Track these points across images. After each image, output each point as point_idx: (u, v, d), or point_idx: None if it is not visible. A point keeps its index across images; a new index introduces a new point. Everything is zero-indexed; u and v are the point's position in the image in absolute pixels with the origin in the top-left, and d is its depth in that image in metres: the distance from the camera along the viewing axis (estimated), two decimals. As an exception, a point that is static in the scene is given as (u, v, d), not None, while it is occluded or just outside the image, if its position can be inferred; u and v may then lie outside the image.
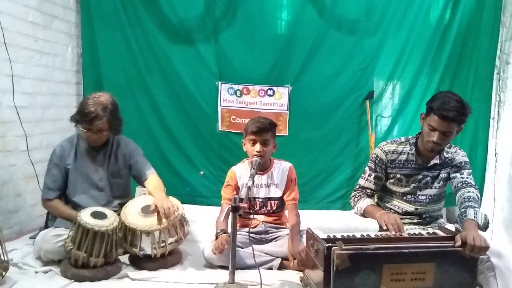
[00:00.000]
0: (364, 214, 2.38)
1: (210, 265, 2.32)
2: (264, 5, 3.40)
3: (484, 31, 3.22)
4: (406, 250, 1.75)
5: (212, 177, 3.55)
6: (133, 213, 2.32)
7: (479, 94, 3.29)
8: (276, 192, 2.48)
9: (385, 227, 2.10)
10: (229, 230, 2.05)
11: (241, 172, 2.50)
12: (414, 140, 2.34)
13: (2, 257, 2.03)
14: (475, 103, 3.25)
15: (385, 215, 2.18)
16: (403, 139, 2.39)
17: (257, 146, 2.34)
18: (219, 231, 2.28)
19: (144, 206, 2.36)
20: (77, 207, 2.41)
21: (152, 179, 2.52)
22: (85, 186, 2.49)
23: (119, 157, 2.58)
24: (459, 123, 2.15)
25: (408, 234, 2.06)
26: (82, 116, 2.35)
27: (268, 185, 2.48)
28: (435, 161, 2.30)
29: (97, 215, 2.22)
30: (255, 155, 2.34)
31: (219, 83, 3.48)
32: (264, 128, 2.35)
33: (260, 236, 2.45)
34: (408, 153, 2.33)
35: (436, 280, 1.77)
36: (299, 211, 2.49)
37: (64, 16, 3.31)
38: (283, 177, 2.48)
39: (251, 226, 2.36)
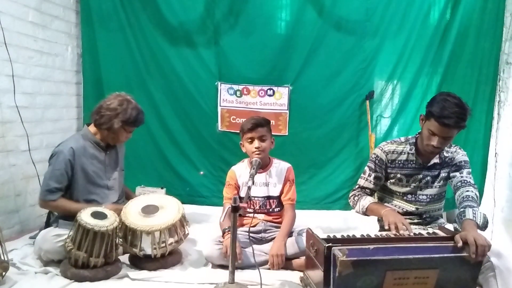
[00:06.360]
0: (366, 213, 2.35)
1: (211, 265, 2.32)
2: (264, 5, 3.40)
3: (485, 31, 3.22)
4: (410, 257, 1.72)
5: (212, 177, 3.56)
6: (133, 213, 2.33)
7: (480, 95, 3.28)
8: (275, 191, 2.48)
9: (387, 227, 2.10)
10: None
11: (240, 171, 2.51)
12: (414, 140, 2.34)
13: (2, 257, 2.03)
14: (476, 103, 3.25)
15: (390, 215, 2.16)
16: (402, 139, 2.39)
17: (256, 143, 2.37)
18: (226, 227, 2.28)
19: (145, 206, 2.36)
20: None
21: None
22: (93, 187, 2.50)
23: (119, 156, 2.68)
24: (460, 128, 2.15)
25: (408, 234, 2.05)
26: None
27: (266, 184, 2.49)
28: (435, 160, 2.30)
29: (97, 215, 2.22)
30: (254, 152, 2.36)
31: (219, 83, 3.48)
32: (259, 124, 2.39)
33: (260, 235, 2.45)
34: (408, 153, 2.33)
35: (438, 284, 1.76)
36: (299, 211, 2.50)
37: (64, 16, 3.31)
38: (281, 176, 2.49)
39: (250, 225, 2.36)
